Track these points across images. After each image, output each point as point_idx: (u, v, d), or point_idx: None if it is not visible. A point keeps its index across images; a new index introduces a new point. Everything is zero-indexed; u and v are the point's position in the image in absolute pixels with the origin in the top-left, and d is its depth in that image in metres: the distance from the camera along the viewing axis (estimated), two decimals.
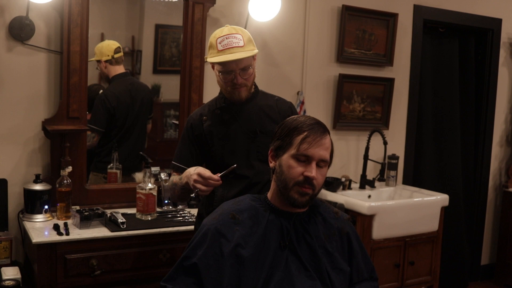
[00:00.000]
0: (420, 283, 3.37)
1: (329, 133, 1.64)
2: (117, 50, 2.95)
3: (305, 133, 1.58)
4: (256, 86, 2.14)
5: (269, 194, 1.69)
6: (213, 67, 2.05)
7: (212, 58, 1.97)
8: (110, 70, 2.98)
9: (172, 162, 2.15)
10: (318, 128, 1.60)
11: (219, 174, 1.84)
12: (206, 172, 1.84)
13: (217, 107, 2.10)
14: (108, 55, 2.92)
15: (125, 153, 3.00)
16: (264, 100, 2.13)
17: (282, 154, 1.61)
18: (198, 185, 1.83)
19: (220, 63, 1.95)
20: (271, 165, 1.67)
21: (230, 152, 2.04)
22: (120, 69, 3.00)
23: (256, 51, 1.99)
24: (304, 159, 1.57)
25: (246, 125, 2.05)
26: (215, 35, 1.99)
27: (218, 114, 2.08)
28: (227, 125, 2.06)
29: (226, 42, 1.94)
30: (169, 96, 3.18)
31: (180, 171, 2.06)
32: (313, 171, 1.56)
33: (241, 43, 1.95)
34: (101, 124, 2.95)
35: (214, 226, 1.60)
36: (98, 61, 2.95)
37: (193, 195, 1.87)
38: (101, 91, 3.01)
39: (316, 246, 1.61)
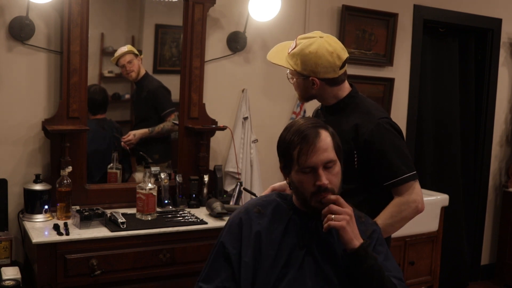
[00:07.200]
0: (420, 283, 3.37)
1: (325, 129, 1.58)
2: None
3: (298, 147, 1.53)
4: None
5: (293, 198, 1.66)
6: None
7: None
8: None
9: None
10: (309, 134, 1.54)
11: None
12: None
13: (320, 108, 2.12)
14: None
15: None
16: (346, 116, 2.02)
17: (289, 172, 1.59)
18: None
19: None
20: (287, 181, 1.65)
21: None
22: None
23: None
24: (309, 170, 1.53)
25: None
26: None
27: (319, 114, 2.10)
28: None
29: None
30: (169, 96, 3.17)
31: None
32: (322, 179, 1.51)
33: None
34: None
35: (239, 217, 1.61)
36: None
37: None
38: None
39: (337, 248, 1.58)
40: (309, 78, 1.90)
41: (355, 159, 1.90)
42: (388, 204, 1.91)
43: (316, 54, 1.85)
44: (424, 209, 1.90)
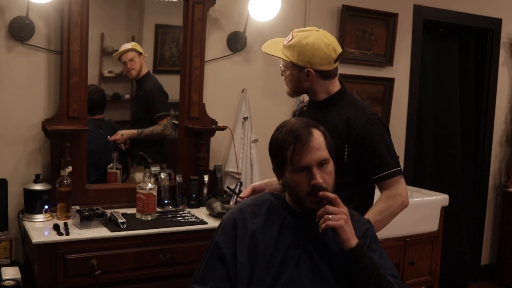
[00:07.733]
0: (420, 283, 3.37)
1: (317, 128, 1.58)
2: None
3: (292, 147, 1.54)
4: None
5: (287, 197, 1.67)
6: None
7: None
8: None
9: None
10: (302, 134, 1.54)
11: None
12: None
13: (306, 105, 2.14)
14: None
15: None
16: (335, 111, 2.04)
17: (283, 173, 1.59)
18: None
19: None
20: (280, 182, 1.66)
21: None
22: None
23: None
24: (304, 169, 1.54)
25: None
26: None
27: (304, 112, 2.13)
28: None
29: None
30: (169, 96, 3.17)
31: None
32: (316, 177, 1.52)
33: None
34: None
35: (233, 218, 1.60)
36: None
37: None
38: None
39: (332, 247, 1.58)
40: (304, 70, 1.94)
41: (345, 153, 1.94)
42: (375, 197, 1.97)
43: (314, 45, 1.90)
44: (408, 204, 1.97)
